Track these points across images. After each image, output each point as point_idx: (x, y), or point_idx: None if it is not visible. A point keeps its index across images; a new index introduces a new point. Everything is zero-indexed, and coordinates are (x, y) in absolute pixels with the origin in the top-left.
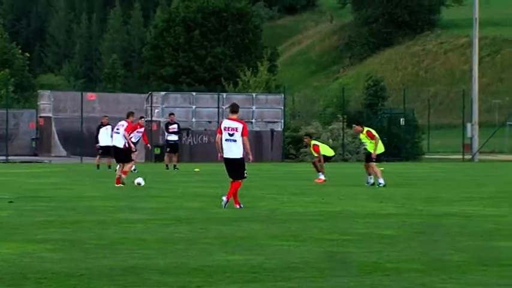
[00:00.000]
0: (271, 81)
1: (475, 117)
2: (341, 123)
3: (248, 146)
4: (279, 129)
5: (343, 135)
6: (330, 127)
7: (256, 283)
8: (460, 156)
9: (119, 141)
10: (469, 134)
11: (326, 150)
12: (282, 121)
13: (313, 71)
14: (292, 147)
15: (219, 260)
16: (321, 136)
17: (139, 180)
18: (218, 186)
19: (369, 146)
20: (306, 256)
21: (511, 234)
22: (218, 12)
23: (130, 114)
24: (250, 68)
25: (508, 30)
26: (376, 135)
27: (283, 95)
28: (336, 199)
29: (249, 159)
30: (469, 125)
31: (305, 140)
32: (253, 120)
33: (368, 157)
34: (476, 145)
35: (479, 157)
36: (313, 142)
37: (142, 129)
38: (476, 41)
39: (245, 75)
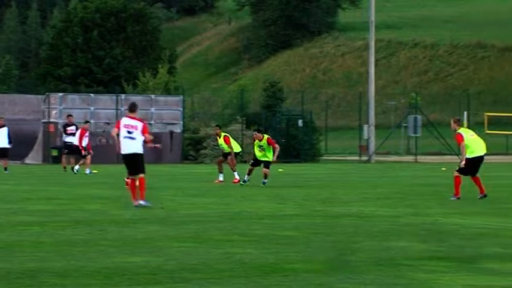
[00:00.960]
0: (171, 83)
1: (372, 119)
2: (240, 124)
3: (150, 141)
4: (178, 130)
5: (242, 137)
6: (229, 128)
7: (155, 285)
8: (357, 158)
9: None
10: (365, 136)
11: (235, 145)
12: (181, 123)
13: (212, 73)
14: (192, 148)
15: (118, 262)
16: None
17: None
18: (117, 188)
19: (269, 152)
20: (204, 257)
21: (406, 234)
22: (116, 12)
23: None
24: (150, 70)
25: (402, 33)
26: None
27: (182, 97)
28: (235, 200)
29: (155, 147)
30: (365, 127)
31: (216, 131)
32: (152, 122)
33: (267, 163)
34: (372, 146)
35: (376, 158)
36: (224, 134)
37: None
38: (372, 44)
39: (144, 76)
